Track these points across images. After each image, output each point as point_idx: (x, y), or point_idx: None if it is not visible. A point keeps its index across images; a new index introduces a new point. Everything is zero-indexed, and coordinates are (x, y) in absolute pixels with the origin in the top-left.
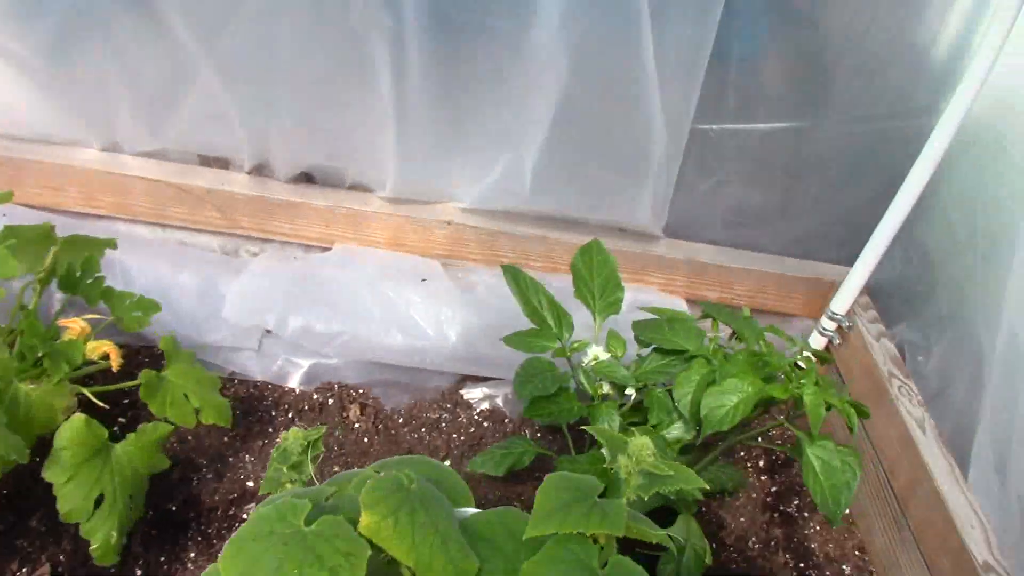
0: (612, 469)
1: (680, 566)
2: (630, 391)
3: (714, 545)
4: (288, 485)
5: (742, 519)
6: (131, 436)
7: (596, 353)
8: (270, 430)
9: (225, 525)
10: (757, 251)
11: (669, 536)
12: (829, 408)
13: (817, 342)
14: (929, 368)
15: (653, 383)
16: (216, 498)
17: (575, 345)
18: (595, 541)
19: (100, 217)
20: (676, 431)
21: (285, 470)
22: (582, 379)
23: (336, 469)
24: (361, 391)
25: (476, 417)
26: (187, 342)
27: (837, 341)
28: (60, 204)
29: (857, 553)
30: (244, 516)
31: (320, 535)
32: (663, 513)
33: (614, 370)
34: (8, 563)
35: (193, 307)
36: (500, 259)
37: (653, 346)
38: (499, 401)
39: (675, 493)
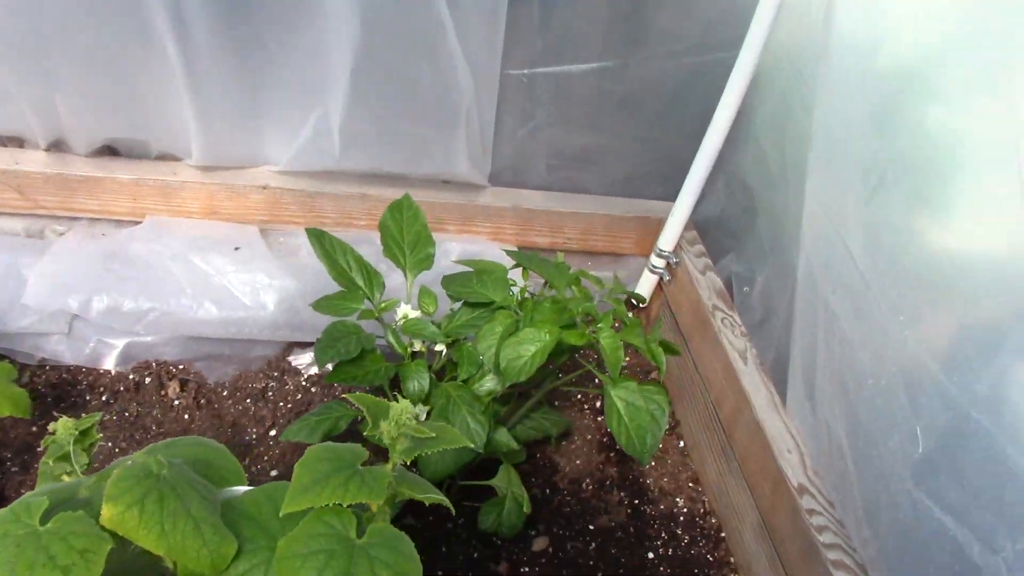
0: (375, 435)
1: (500, 515)
2: (440, 347)
3: (547, 490)
4: (65, 478)
5: (577, 462)
6: None
7: (405, 312)
8: (82, 416)
9: None
10: (585, 193)
11: (491, 486)
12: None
13: (648, 280)
14: (753, 299)
15: (464, 337)
16: (22, 491)
17: (383, 305)
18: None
19: None
20: (488, 384)
21: (52, 463)
22: (391, 339)
23: None
24: (181, 367)
25: (304, 383)
26: None
27: (667, 278)
28: None
29: (691, 485)
30: None
31: (55, 533)
32: (489, 464)
33: (422, 327)
34: None
35: None
36: (322, 221)
37: (463, 300)
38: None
39: (503, 445)
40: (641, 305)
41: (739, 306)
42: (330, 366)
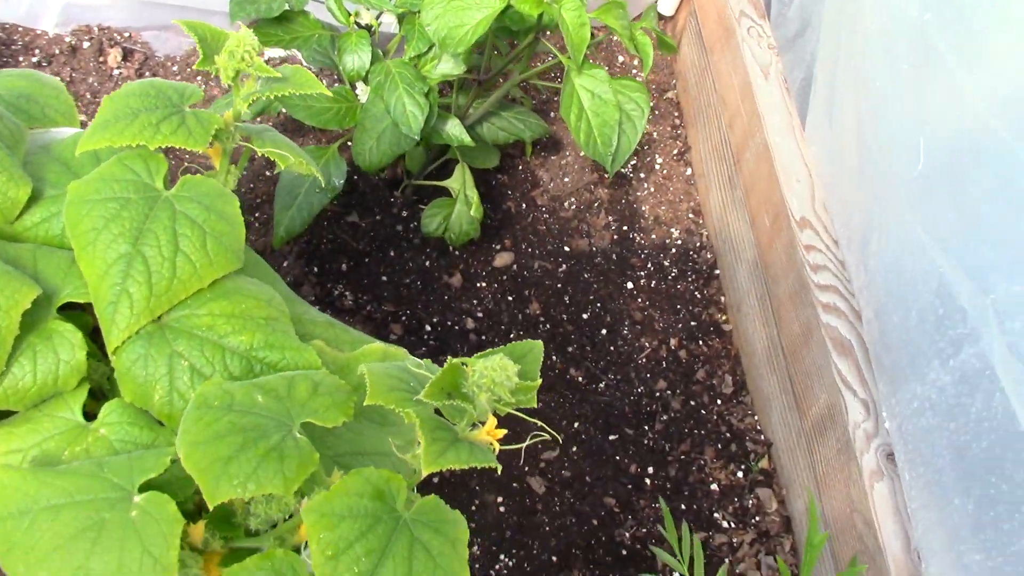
0: (213, 70)
1: (448, 219)
2: (390, 21)
3: (524, 204)
4: None
5: (565, 179)
6: None
7: None
8: None
9: None
10: None
11: (444, 186)
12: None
13: None
14: (792, 9)
15: (417, 11)
16: None
17: None
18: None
19: None
20: (445, 66)
21: None
22: (332, 5)
23: (83, 119)
24: (128, 35)
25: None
26: None
27: None
28: None
29: (691, 216)
30: None
31: None
32: (446, 165)
33: None
34: None
35: None
36: None
37: None
38: (300, 58)
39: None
40: (663, 14)
41: (774, 17)
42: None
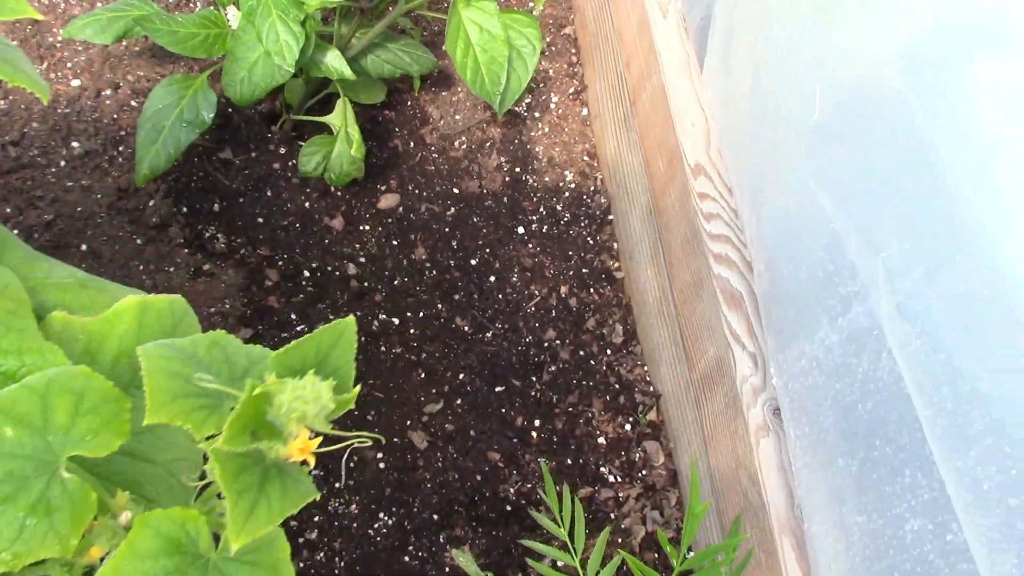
0: None
1: (328, 158)
2: None
3: (412, 143)
4: None
5: (457, 117)
6: None
7: None
8: None
9: None
10: None
11: (325, 123)
12: None
13: None
14: None
15: None
16: None
17: None
18: None
19: None
20: None
21: None
22: None
23: None
24: None
25: None
26: None
27: None
28: None
29: (586, 159)
30: None
31: None
32: (328, 100)
33: None
34: None
35: None
36: None
37: None
38: None
39: (333, 71)
40: None
41: None
42: None
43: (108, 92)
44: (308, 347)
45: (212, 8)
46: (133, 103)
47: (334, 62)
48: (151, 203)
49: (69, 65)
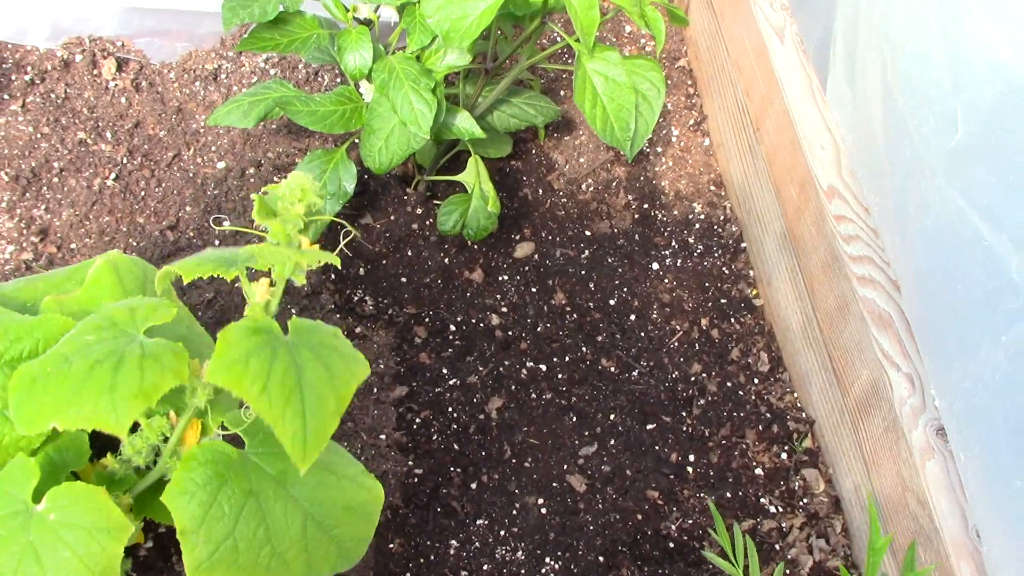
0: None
1: (465, 215)
2: (390, 14)
3: (540, 190)
4: None
5: (581, 160)
6: None
7: None
8: (5, 97)
9: None
10: None
11: (459, 181)
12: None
13: None
14: None
15: (418, 1)
16: None
17: None
18: None
19: None
20: (450, 58)
21: None
22: (328, 2)
23: (81, 136)
24: (120, 44)
25: (263, 65)
26: None
27: None
28: None
29: (713, 189)
30: None
31: None
32: (459, 157)
33: None
34: None
35: None
36: None
37: None
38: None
39: (465, 132)
40: None
41: None
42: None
43: (251, 171)
44: None
45: (345, 85)
46: (276, 179)
47: (464, 123)
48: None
49: (213, 148)
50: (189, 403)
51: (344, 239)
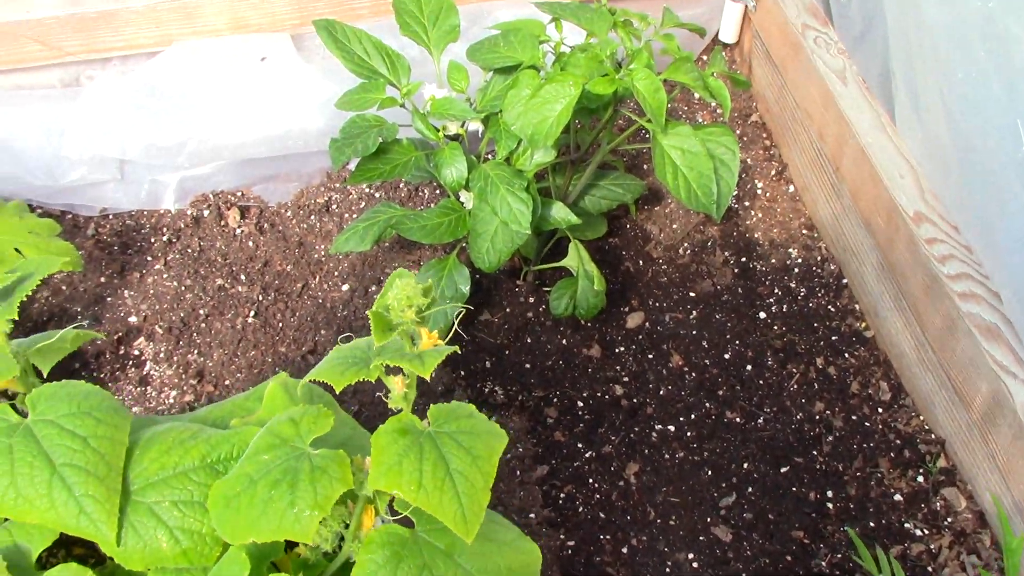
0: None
1: (575, 297)
2: (476, 126)
3: (640, 261)
4: None
5: (673, 226)
6: None
7: (431, 93)
8: (148, 259)
9: (118, 365)
10: None
11: (563, 266)
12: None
13: (732, 12)
14: (852, 8)
15: (499, 111)
16: (99, 342)
17: (406, 89)
18: None
19: None
20: (537, 156)
21: None
22: (420, 126)
23: (220, 282)
24: (239, 194)
25: (368, 190)
26: (44, 190)
27: (753, 5)
28: None
29: (805, 232)
30: (134, 353)
31: None
32: (559, 243)
33: (450, 106)
34: None
35: (40, 151)
36: (358, 14)
37: (494, 69)
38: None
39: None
40: (726, 42)
41: (837, 20)
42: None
43: (373, 288)
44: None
45: (445, 197)
46: None
47: (559, 213)
48: (434, 375)
49: (336, 274)
50: (360, 495)
51: (456, 319)
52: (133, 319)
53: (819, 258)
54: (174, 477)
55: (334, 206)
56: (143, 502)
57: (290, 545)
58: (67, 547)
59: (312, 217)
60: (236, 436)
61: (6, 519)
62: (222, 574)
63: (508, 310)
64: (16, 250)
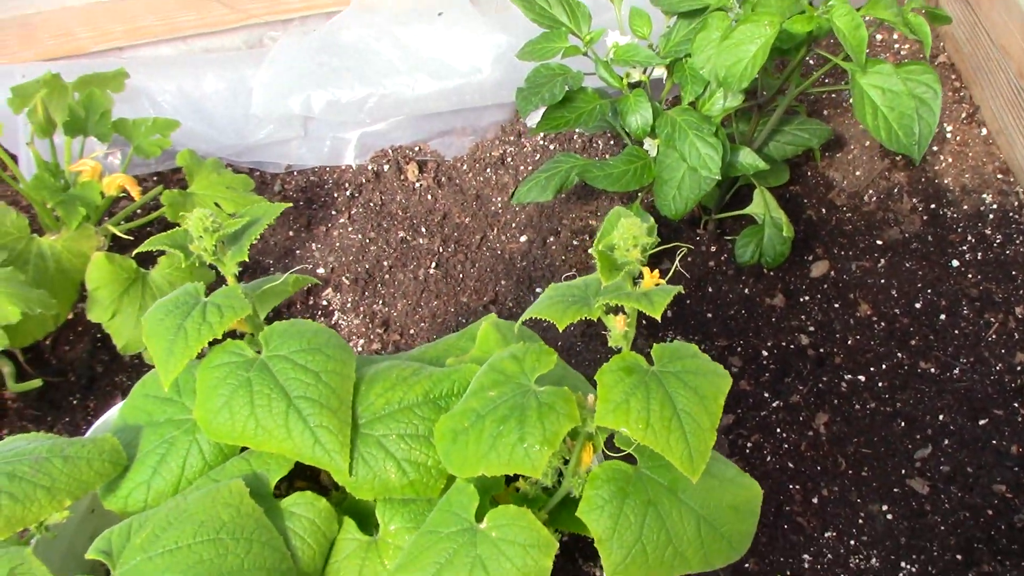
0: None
1: (760, 245)
2: (660, 72)
3: (823, 209)
4: None
5: (857, 173)
6: (162, 259)
7: (615, 40)
8: (332, 213)
9: (308, 316)
10: None
11: (749, 215)
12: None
13: None
14: None
15: (685, 56)
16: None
17: (589, 37)
18: None
19: (122, 49)
20: (721, 102)
21: None
22: (603, 73)
23: (402, 235)
24: (417, 149)
25: (542, 142)
26: (233, 148)
27: None
28: (79, 49)
29: (1000, 176)
30: (323, 303)
31: None
32: (748, 191)
33: (634, 52)
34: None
35: (229, 111)
36: None
37: (677, 13)
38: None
39: (749, 167)
40: None
41: None
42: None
43: (551, 239)
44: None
45: (626, 146)
46: (575, 242)
47: (747, 159)
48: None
49: (513, 225)
50: (581, 431)
51: (678, 257)
52: (321, 271)
53: (1016, 204)
54: (399, 411)
55: (509, 159)
56: (371, 435)
57: (508, 480)
58: (290, 480)
59: (488, 170)
60: (456, 373)
61: (243, 448)
62: (451, 503)
63: (689, 259)
64: (216, 204)
